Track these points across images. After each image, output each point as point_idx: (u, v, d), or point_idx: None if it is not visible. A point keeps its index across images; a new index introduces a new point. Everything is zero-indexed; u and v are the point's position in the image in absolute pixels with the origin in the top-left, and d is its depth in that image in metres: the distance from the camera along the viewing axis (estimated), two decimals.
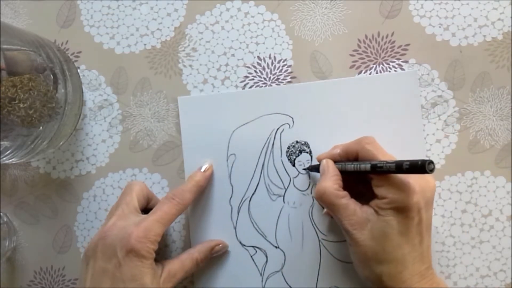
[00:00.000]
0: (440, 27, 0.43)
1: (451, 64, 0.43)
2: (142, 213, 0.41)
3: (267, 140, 0.44)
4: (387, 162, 0.34)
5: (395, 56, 0.44)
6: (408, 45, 0.44)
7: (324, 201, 0.37)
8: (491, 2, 0.43)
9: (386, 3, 0.44)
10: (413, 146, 0.43)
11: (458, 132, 0.43)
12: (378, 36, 0.44)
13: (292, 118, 0.44)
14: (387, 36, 0.44)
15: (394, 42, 0.44)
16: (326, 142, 0.43)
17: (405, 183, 0.35)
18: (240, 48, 0.46)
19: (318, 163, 0.41)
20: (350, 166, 0.38)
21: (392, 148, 0.39)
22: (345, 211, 0.36)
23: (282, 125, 0.44)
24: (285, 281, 0.44)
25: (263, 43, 0.46)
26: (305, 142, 0.44)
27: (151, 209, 0.40)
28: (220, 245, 0.44)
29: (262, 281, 0.44)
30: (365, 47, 0.44)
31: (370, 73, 0.44)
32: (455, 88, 0.43)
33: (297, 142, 0.44)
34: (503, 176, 0.42)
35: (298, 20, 0.45)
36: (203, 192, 0.44)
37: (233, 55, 0.46)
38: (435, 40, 0.44)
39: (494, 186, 0.43)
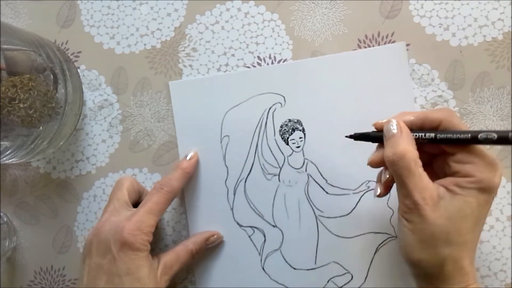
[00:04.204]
0: (440, 27, 0.43)
1: (451, 64, 0.43)
2: (134, 208, 0.41)
3: (259, 120, 0.44)
4: (491, 131, 0.32)
5: None
6: (408, 45, 0.44)
7: (400, 165, 0.32)
8: (491, 2, 0.43)
9: (386, 3, 0.44)
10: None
11: None
12: (378, 36, 0.44)
13: (284, 97, 0.44)
14: (387, 36, 0.44)
15: (394, 42, 0.44)
16: (318, 119, 0.43)
17: (494, 163, 0.32)
18: (240, 48, 0.46)
19: (373, 131, 0.37)
20: (440, 136, 0.33)
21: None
22: (421, 182, 0.32)
23: (274, 105, 0.44)
24: (284, 259, 0.44)
25: (263, 43, 0.46)
26: (298, 120, 0.44)
27: None
28: (215, 236, 0.44)
29: (261, 260, 0.44)
30: (365, 47, 0.44)
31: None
32: (455, 88, 0.43)
33: (289, 120, 0.44)
34: (503, 176, 0.42)
35: (298, 20, 0.45)
36: (198, 176, 0.45)
37: (233, 55, 0.46)
38: (435, 40, 0.43)
39: None
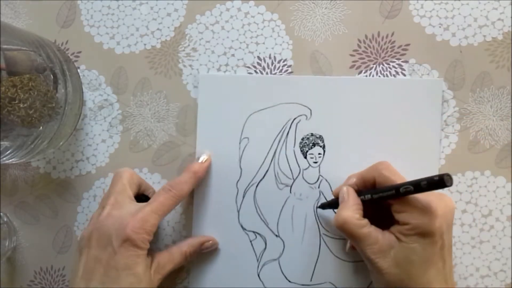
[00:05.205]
0: (440, 27, 0.43)
1: (451, 64, 0.43)
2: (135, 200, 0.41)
3: (282, 128, 0.44)
4: (407, 184, 0.34)
5: (395, 56, 0.44)
6: (408, 45, 0.44)
7: (345, 231, 0.36)
8: (491, 2, 0.43)
9: (386, 3, 0.44)
10: (425, 156, 0.42)
11: (458, 132, 0.43)
12: (378, 36, 0.44)
13: (311, 110, 0.44)
14: (387, 36, 0.44)
15: (394, 42, 0.44)
16: (340, 138, 0.43)
17: (427, 207, 0.34)
18: (240, 48, 0.46)
19: (333, 199, 0.41)
20: (374, 196, 0.37)
21: (403, 157, 0.41)
22: (367, 240, 0.35)
23: (299, 116, 0.44)
24: (281, 270, 0.44)
25: (263, 43, 0.46)
26: (320, 135, 0.44)
27: (143, 194, 0.41)
28: (210, 242, 0.44)
29: (258, 267, 0.44)
30: (365, 47, 0.44)
31: (370, 73, 0.44)
32: (455, 88, 0.43)
33: (312, 134, 0.44)
34: (503, 176, 0.42)
35: (298, 20, 0.45)
36: (210, 172, 0.45)
37: (233, 55, 0.46)
38: (435, 40, 0.43)
39: (494, 186, 0.42)
